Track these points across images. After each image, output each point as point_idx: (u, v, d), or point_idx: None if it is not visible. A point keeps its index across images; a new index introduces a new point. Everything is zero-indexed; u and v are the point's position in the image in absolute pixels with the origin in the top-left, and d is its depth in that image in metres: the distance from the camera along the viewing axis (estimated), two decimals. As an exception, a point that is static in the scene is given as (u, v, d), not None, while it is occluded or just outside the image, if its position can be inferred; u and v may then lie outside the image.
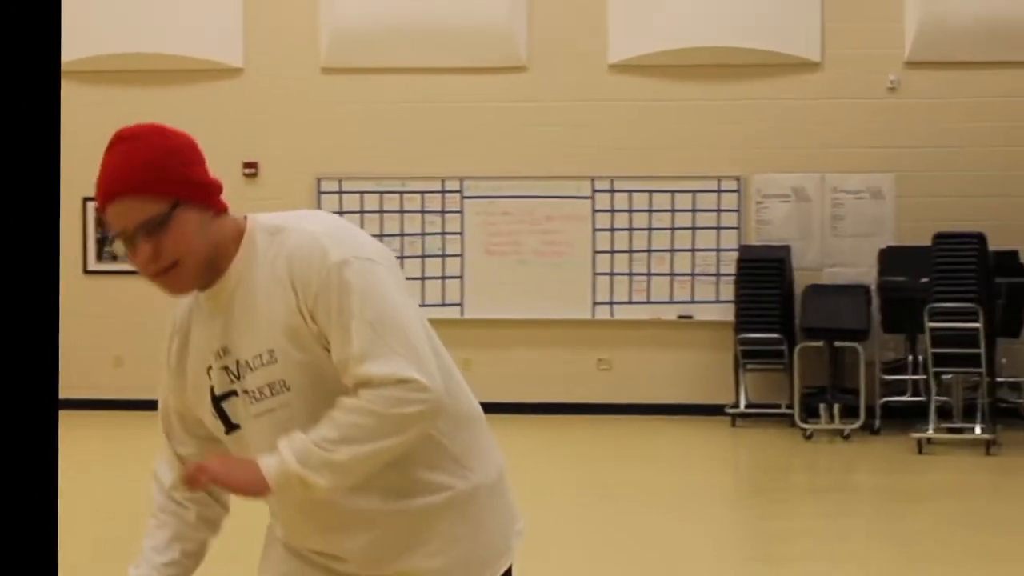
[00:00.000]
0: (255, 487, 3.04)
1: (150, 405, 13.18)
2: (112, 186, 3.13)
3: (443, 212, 15.66)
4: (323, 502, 3.15)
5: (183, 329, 3.37)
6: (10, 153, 1.89)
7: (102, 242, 16.27)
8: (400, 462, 3.19)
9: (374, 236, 3.36)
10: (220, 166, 12.93)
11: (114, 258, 16.25)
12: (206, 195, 3.18)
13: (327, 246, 3.11)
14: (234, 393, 3.22)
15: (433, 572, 3.27)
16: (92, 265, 16.30)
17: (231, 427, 3.26)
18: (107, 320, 16.14)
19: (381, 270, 3.13)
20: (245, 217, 3.30)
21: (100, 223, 16.29)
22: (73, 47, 16.07)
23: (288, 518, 3.34)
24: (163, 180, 3.12)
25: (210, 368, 3.25)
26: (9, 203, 1.90)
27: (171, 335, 3.40)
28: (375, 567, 3.28)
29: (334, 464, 3.00)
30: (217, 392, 3.24)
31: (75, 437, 14.22)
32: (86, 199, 16.23)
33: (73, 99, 16.08)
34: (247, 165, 15.55)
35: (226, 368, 3.22)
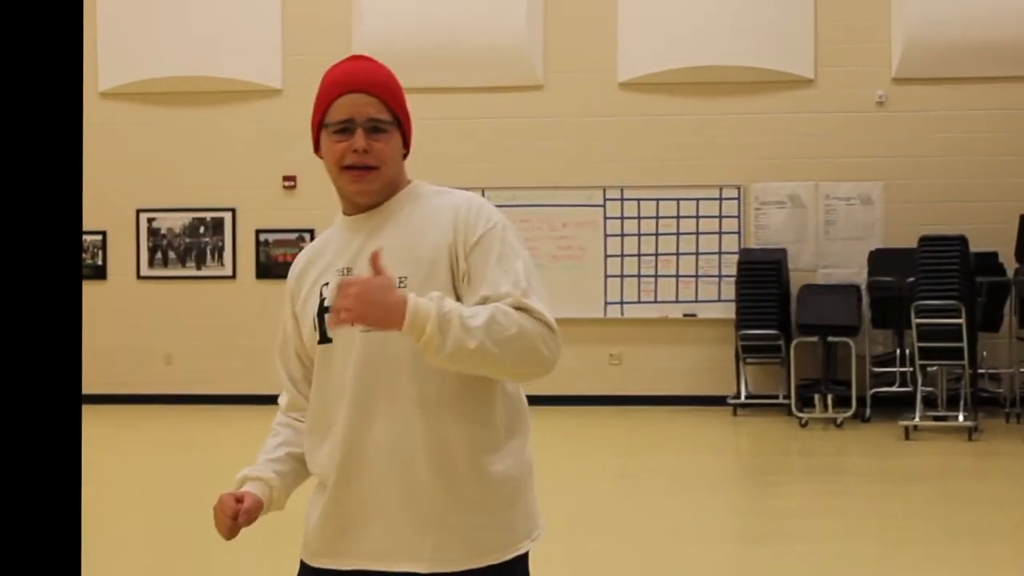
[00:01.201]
0: (390, 321, 2.98)
1: (198, 400, 13.33)
2: (364, 77, 3.26)
3: (466, 220, 15.67)
4: (409, 452, 3.14)
5: (312, 255, 3.39)
6: (35, 166, 1.91)
7: (154, 251, 16.34)
8: (488, 418, 3.20)
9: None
10: (261, 179, 13.15)
11: (165, 264, 16.33)
12: (410, 133, 3.35)
13: (492, 209, 3.28)
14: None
15: (475, 542, 3.19)
16: (144, 271, 16.37)
17: (324, 339, 3.25)
18: (158, 321, 16.21)
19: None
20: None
21: (151, 231, 16.36)
22: (124, 72, 16.19)
23: (363, 471, 3.21)
24: (399, 100, 3.30)
25: (326, 285, 3.26)
26: (34, 212, 1.91)
27: (297, 264, 3.42)
28: (420, 533, 3.18)
29: (461, 344, 2.98)
30: (327, 304, 3.22)
31: (129, 430, 14.35)
32: (139, 210, 16.31)
33: (125, 120, 16.22)
34: (286, 178, 15.62)
35: None
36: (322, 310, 3.25)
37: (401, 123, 3.29)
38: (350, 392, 3.19)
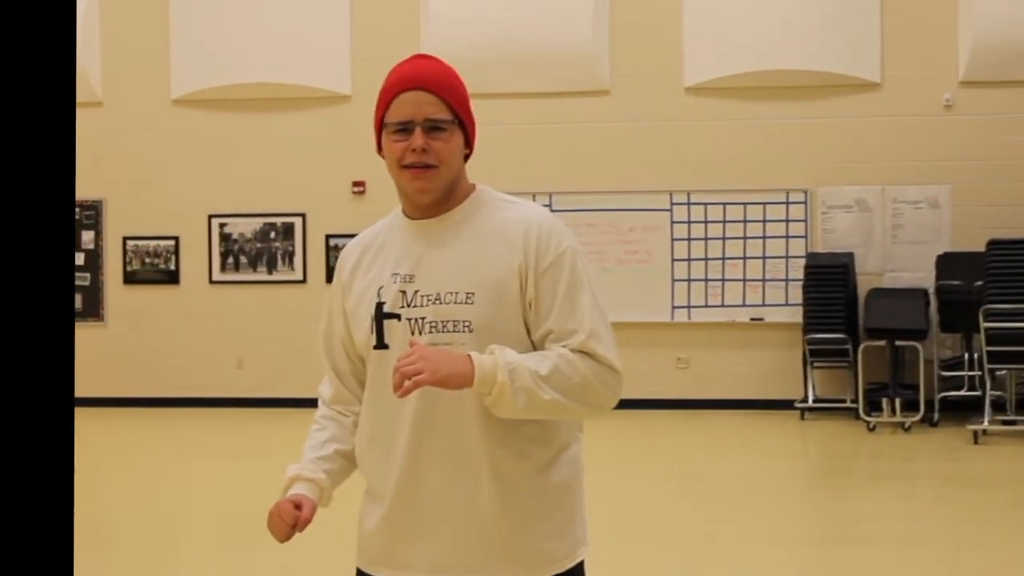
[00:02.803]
0: (460, 380, 2.98)
1: (268, 403, 13.43)
2: (424, 75, 3.22)
3: (534, 224, 15.70)
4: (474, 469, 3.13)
5: (365, 249, 3.35)
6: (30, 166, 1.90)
7: (226, 255, 16.46)
8: (546, 430, 3.18)
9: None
10: (331, 184, 13.25)
11: (236, 269, 16.44)
12: (472, 134, 3.31)
13: (563, 230, 3.21)
14: (397, 317, 3.18)
15: (539, 553, 3.18)
16: (216, 276, 16.48)
17: (381, 345, 3.21)
18: (230, 325, 16.32)
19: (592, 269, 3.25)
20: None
21: (222, 236, 16.47)
22: (196, 79, 16.32)
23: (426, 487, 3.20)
24: (461, 98, 3.26)
25: (382, 287, 3.22)
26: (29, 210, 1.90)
27: (349, 257, 3.38)
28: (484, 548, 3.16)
29: (532, 395, 3.00)
30: (386, 309, 3.20)
31: (201, 433, 14.45)
32: (211, 216, 16.42)
33: (196, 126, 16.35)
34: (355, 183, 15.69)
35: (404, 292, 3.19)
36: (379, 313, 3.21)
37: (463, 122, 3.25)
38: (412, 406, 3.16)
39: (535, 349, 3.13)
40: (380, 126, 3.26)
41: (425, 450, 3.16)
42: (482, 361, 2.99)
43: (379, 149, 3.30)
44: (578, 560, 3.26)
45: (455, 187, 3.26)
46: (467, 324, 3.11)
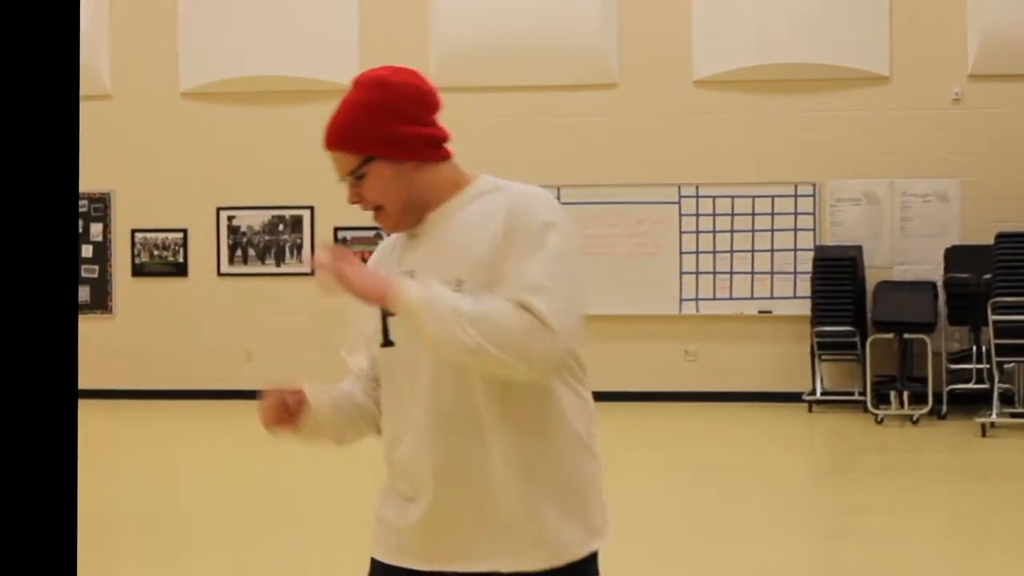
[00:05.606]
0: (375, 297, 3.01)
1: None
2: (325, 138, 3.20)
3: (542, 217, 15.72)
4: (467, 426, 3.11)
5: (382, 251, 3.37)
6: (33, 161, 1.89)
7: (234, 248, 16.47)
8: (557, 423, 3.14)
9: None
10: (340, 177, 12.68)
11: (244, 261, 16.45)
12: (400, 150, 3.17)
13: (546, 206, 3.12)
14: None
15: (554, 541, 3.15)
16: (225, 268, 16.49)
17: (387, 342, 3.18)
18: (238, 317, 16.33)
19: (575, 241, 3.16)
20: (478, 175, 3.28)
21: (231, 229, 16.49)
22: (204, 72, 16.33)
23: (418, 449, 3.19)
24: (358, 139, 3.17)
25: None
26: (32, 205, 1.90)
27: (372, 260, 3.37)
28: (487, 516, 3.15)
29: (451, 332, 2.92)
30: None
31: (209, 424, 14.45)
32: (219, 208, 16.43)
33: (205, 119, 16.35)
34: (364, 176, 15.68)
35: None
36: (385, 315, 3.17)
37: (378, 153, 3.17)
38: (423, 411, 3.15)
39: None
40: None
41: (440, 452, 3.15)
42: (407, 287, 2.98)
43: None
44: (592, 550, 3.24)
45: (423, 196, 3.18)
46: None
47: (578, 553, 3.21)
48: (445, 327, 2.93)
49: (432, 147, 3.23)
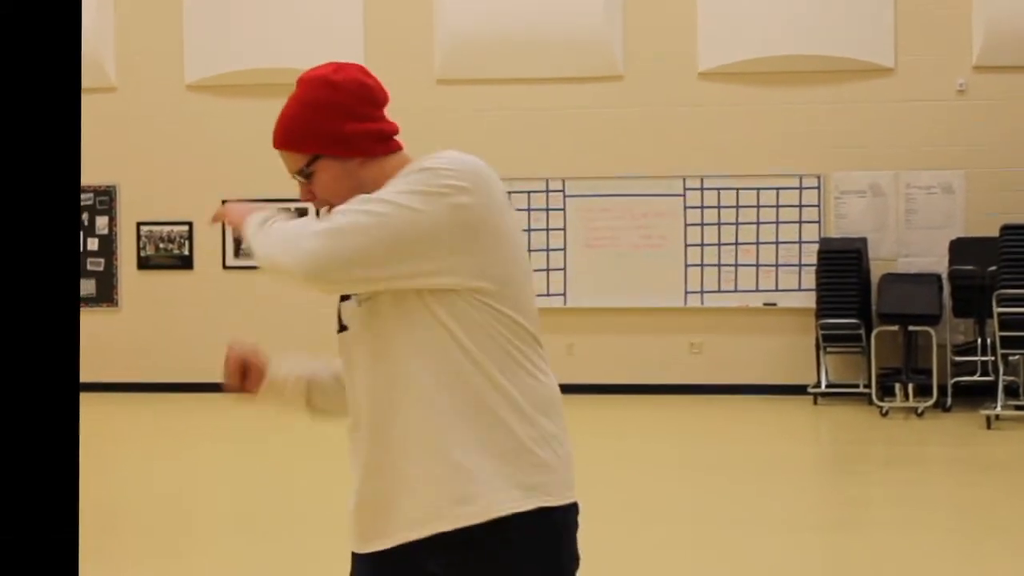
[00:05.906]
0: (236, 220, 3.27)
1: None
2: (275, 134, 3.26)
3: (547, 210, 15.72)
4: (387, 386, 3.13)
5: None
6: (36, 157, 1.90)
7: (239, 241, 16.46)
8: (470, 355, 3.07)
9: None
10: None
11: (250, 254, 16.45)
12: (346, 148, 3.19)
13: (443, 158, 3.09)
14: (348, 296, 3.23)
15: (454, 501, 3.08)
16: (230, 261, 16.50)
17: (341, 327, 3.26)
18: (242, 309, 16.33)
19: (446, 191, 3.03)
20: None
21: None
22: (209, 65, 16.33)
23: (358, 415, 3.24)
24: (303, 138, 3.21)
25: None
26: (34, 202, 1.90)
27: None
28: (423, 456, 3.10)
29: (255, 240, 3.17)
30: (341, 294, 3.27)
31: (214, 418, 14.45)
32: (224, 201, 16.42)
33: (210, 112, 16.35)
34: (369, 169, 15.68)
35: None
36: (342, 298, 3.26)
37: (323, 151, 3.19)
38: (365, 395, 3.18)
39: (466, 291, 3.06)
40: None
41: (372, 428, 3.19)
42: (254, 215, 3.24)
43: None
44: (505, 513, 3.09)
45: (371, 190, 3.14)
46: None
47: (505, 509, 3.08)
48: (252, 245, 3.18)
49: (379, 142, 3.25)
